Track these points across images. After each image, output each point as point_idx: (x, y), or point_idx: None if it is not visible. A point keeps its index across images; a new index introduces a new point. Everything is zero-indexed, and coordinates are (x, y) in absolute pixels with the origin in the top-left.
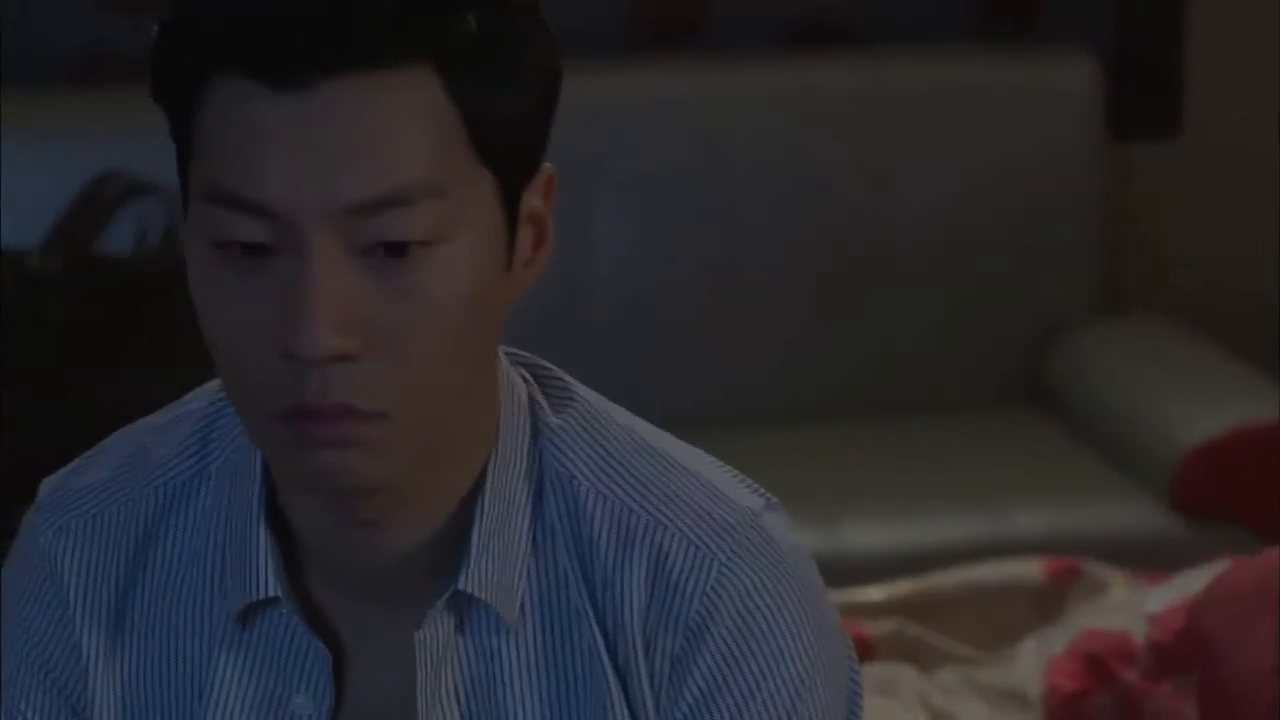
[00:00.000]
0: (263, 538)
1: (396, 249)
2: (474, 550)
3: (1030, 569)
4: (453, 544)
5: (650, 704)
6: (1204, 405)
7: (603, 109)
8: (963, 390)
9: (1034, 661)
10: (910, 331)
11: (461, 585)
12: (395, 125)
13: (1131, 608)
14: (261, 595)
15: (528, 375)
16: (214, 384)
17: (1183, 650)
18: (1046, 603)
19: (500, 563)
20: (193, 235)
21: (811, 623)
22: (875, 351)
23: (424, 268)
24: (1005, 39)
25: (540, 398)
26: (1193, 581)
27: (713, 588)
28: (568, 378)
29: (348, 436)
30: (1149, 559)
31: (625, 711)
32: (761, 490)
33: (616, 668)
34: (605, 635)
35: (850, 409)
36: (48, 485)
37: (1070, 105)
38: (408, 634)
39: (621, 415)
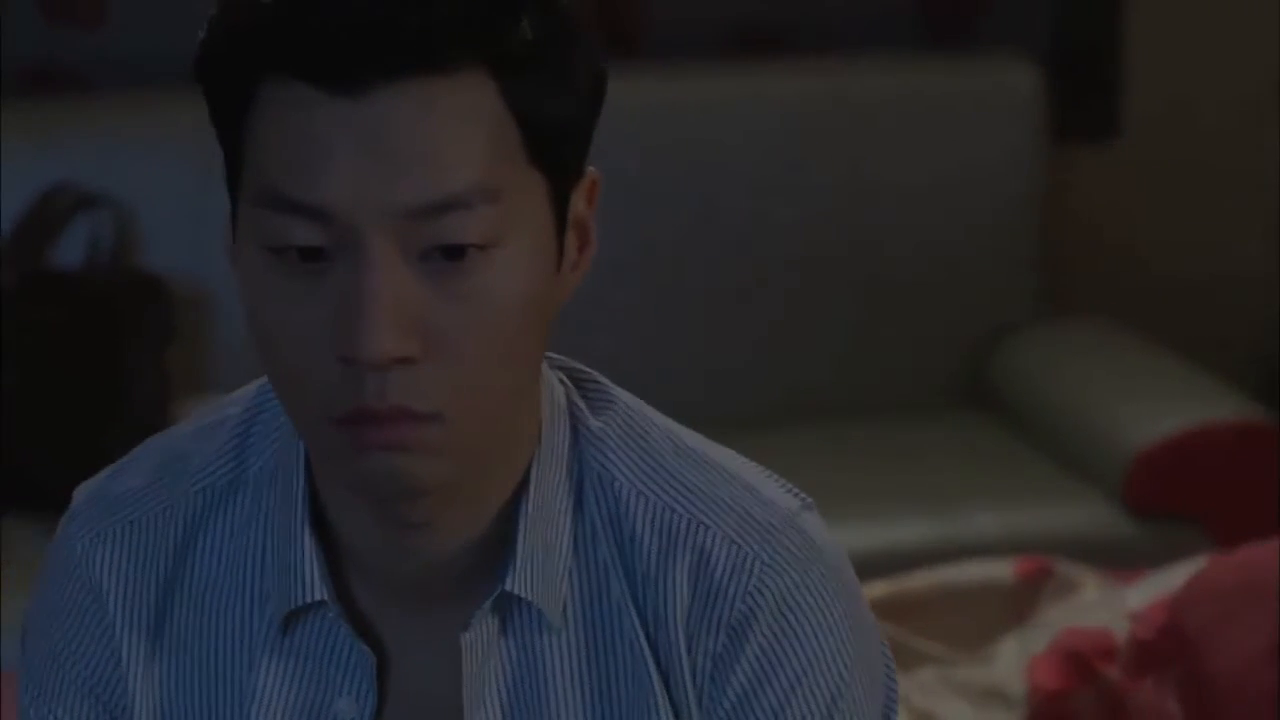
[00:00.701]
0: (308, 542)
1: (453, 252)
2: (519, 551)
3: (1002, 570)
4: (496, 546)
5: (693, 702)
6: (1154, 406)
7: None
8: (907, 392)
9: (1015, 660)
10: (855, 335)
11: (508, 586)
12: (452, 129)
13: (1111, 606)
14: (308, 599)
15: (565, 379)
16: (248, 389)
17: (1166, 646)
18: (1019, 603)
19: (544, 563)
20: (245, 241)
21: (851, 622)
22: (821, 355)
23: (480, 271)
24: (947, 44)
25: (579, 400)
26: (1170, 579)
27: (755, 588)
28: (605, 380)
29: (405, 439)
30: (1105, 559)
31: (669, 709)
32: (797, 490)
33: (659, 666)
34: (648, 634)
35: (796, 413)
36: (82, 492)
37: (1012, 108)
38: (450, 636)
39: (658, 418)
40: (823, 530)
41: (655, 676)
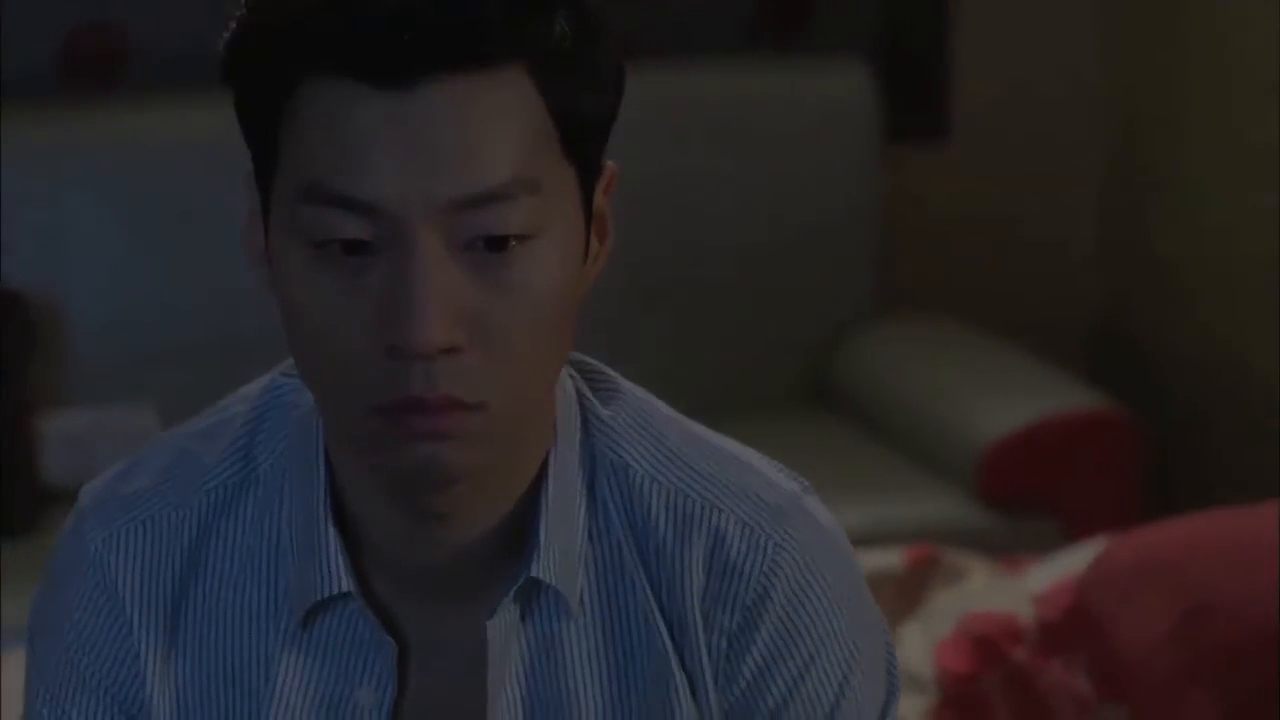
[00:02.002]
0: (332, 536)
1: (496, 243)
2: (543, 538)
3: (892, 558)
4: (514, 535)
5: (709, 680)
6: (1001, 399)
7: None
8: (752, 392)
9: (921, 645)
10: (696, 337)
11: (534, 572)
12: (495, 123)
13: (1013, 590)
14: (334, 591)
15: (573, 371)
16: (252, 389)
17: (1072, 627)
18: (910, 590)
19: (564, 549)
20: (284, 236)
21: (857, 599)
22: (664, 357)
23: (521, 261)
24: (780, 48)
25: (587, 391)
26: (1071, 562)
27: (769, 568)
28: (610, 371)
29: (450, 428)
30: (962, 549)
31: (686, 688)
32: (795, 474)
33: (676, 645)
34: (664, 615)
35: None
36: (90, 493)
37: (846, 111)
38: (469, 625)
39: (663, 406)
40: (825, 512)
41: (672, 656)
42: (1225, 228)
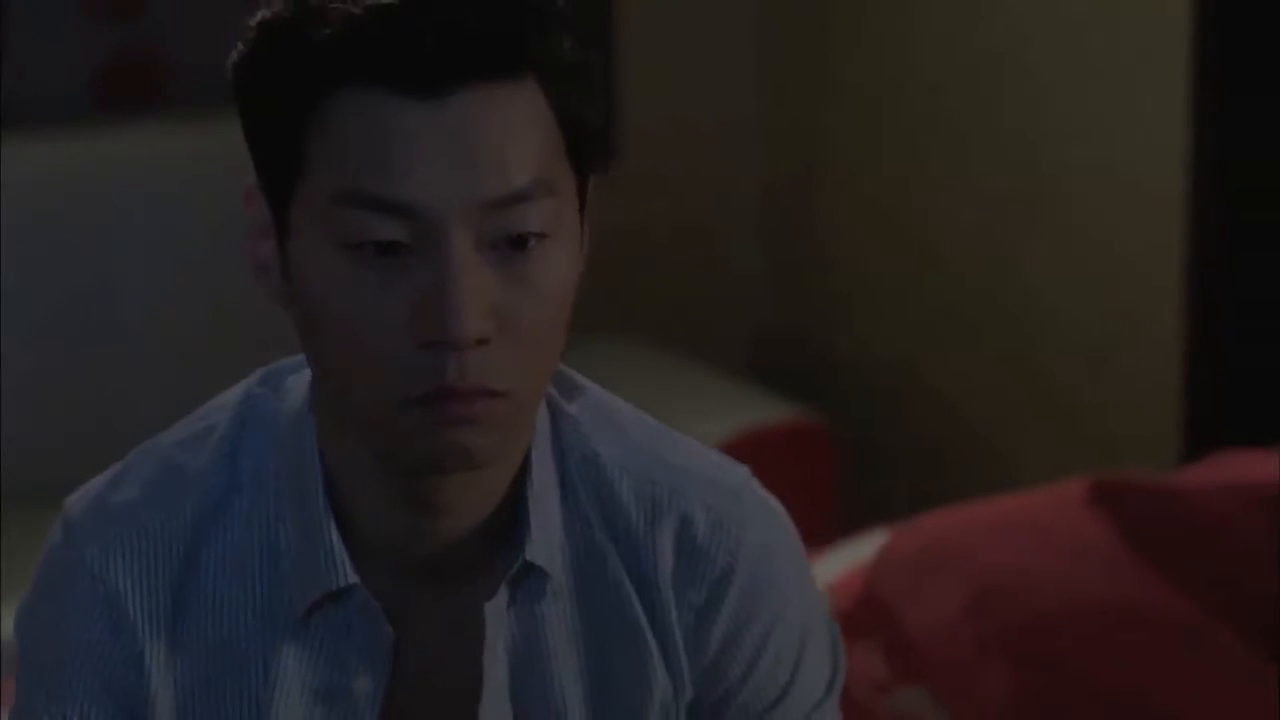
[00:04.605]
0: (335, 533)
1: (518, 242)
2: (533, 524)
3: None
4: (500, 525)
5: (682, 653)
6: (701, 415)
7: None
8: None
9: None
10: None
11: (529, 556)
12: (518, 130)
13: None
14: (341, 584)
15: None
16: (229, 399)
17: (865, 614)
18: None
19: (548, 535)
20: (313, 238)
21: (806, 573)
22: None
23: (538, 259)
24: None
25: (551, 388)
26: (856, 552)
27: (732, 547)
28: (569, 370)
29: (480, 414)
30: None
31: (661, 662)
32: (734, 460)
33: (650, 623)
34: (638, 595)
35: None
36: (78, 505)
37: None
38: (457, 612)
39: (621, 401)
40: (770, 495)
41: (648, 632)
42: (879, 244)
